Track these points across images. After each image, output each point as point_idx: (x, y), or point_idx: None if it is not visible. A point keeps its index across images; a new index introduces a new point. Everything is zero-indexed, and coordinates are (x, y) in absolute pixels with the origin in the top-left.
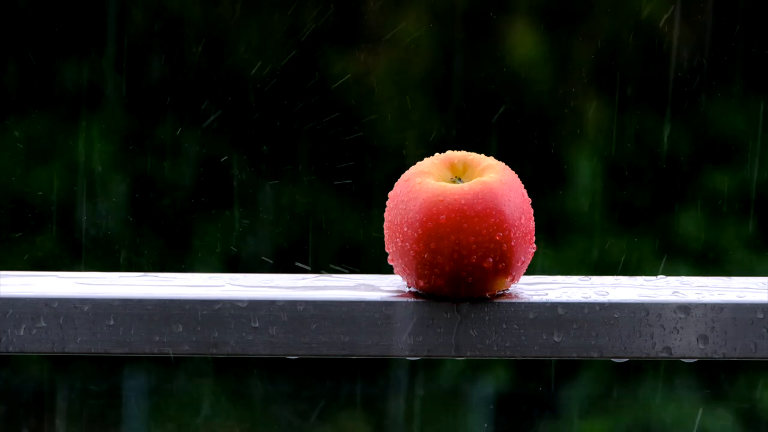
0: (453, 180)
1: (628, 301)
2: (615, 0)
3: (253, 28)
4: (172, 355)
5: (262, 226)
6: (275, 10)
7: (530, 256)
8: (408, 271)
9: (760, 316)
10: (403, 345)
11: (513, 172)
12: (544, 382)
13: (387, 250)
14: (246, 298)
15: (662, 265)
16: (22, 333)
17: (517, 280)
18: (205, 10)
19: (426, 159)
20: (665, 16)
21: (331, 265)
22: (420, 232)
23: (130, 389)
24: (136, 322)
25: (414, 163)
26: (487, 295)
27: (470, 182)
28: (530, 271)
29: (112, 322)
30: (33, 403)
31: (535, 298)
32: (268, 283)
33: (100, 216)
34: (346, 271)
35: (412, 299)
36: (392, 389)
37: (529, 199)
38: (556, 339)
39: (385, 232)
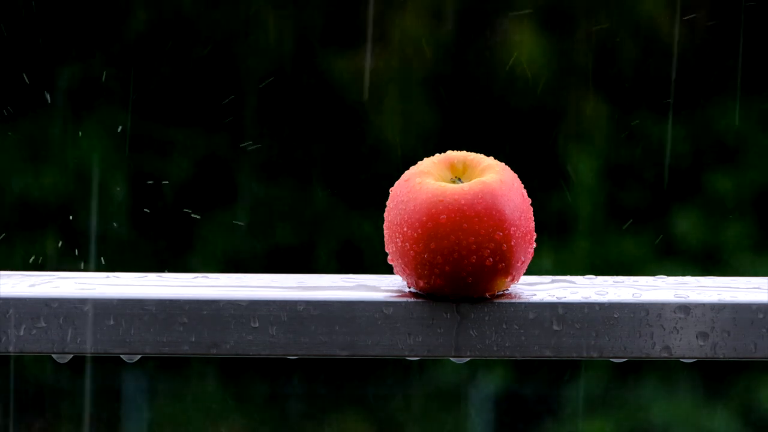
0: (453, 180)
1: (628, 301)
2: (615, 0)
3: (254, 27)
4: (171, 355)
5: (263, 225)
6: (276, 9)
7: (530, 256)
8: (408, 271)
9: (760, 316)
10: (402, 345)
11: (513, 172)
12: (544, 382)
13: (387, 250)
14: (246, 298)
15: (662, 265)
16: (22, 333)
17: (517, 280)
18: (206, 9)
19: (426, 159)
20: (666, 17)
21: (332, 265)
22: (420, 232)
23: (130, 389)
24: (136, 322)
25: (414, 163)
26: (487, 295)
27: (470, 182)
28: (530, 271)
29: (112, 322)
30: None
31: (535, 298)
32: (268, 283)
33: (101, 216)
34: (346, 271)
35: (412, 299)
36: (392, 389)
37: (529, 199)
38: (556, 339)
39: (385, 232)
